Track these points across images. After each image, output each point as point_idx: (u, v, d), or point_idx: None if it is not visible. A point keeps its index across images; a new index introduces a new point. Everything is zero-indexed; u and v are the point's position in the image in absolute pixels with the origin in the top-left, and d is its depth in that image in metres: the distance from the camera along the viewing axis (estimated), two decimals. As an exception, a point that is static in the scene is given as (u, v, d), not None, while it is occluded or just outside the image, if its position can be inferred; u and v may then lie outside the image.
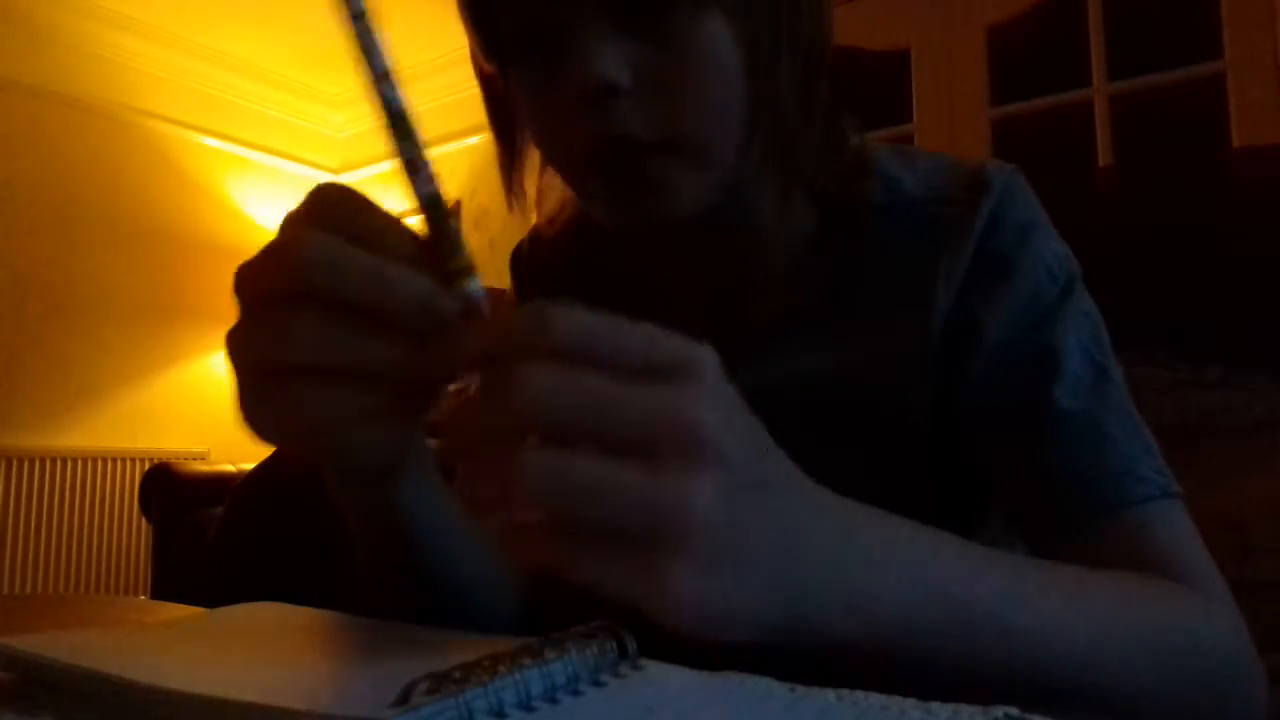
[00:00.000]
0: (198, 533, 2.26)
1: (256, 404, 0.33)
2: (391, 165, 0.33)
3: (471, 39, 0.51)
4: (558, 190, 0.57)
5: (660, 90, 0.46)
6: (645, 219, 0.50)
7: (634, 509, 0.27)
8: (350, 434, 0.34)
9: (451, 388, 0.35)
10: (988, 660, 0.34)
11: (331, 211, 0.33)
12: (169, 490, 2.47)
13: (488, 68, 0.52)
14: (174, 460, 2.64)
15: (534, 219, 0.64)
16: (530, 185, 0.57)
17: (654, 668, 0.29)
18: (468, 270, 0.33)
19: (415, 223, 0.34)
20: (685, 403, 0.28)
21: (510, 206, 0.58)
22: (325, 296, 0.31)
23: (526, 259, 0.69)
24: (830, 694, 0.27)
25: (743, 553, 0.29)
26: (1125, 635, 0.38)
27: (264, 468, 1.86)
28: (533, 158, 0.56)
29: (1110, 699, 0.37)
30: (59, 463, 3.07)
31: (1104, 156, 2.16)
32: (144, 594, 3.07)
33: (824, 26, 0.51)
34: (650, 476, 0.27)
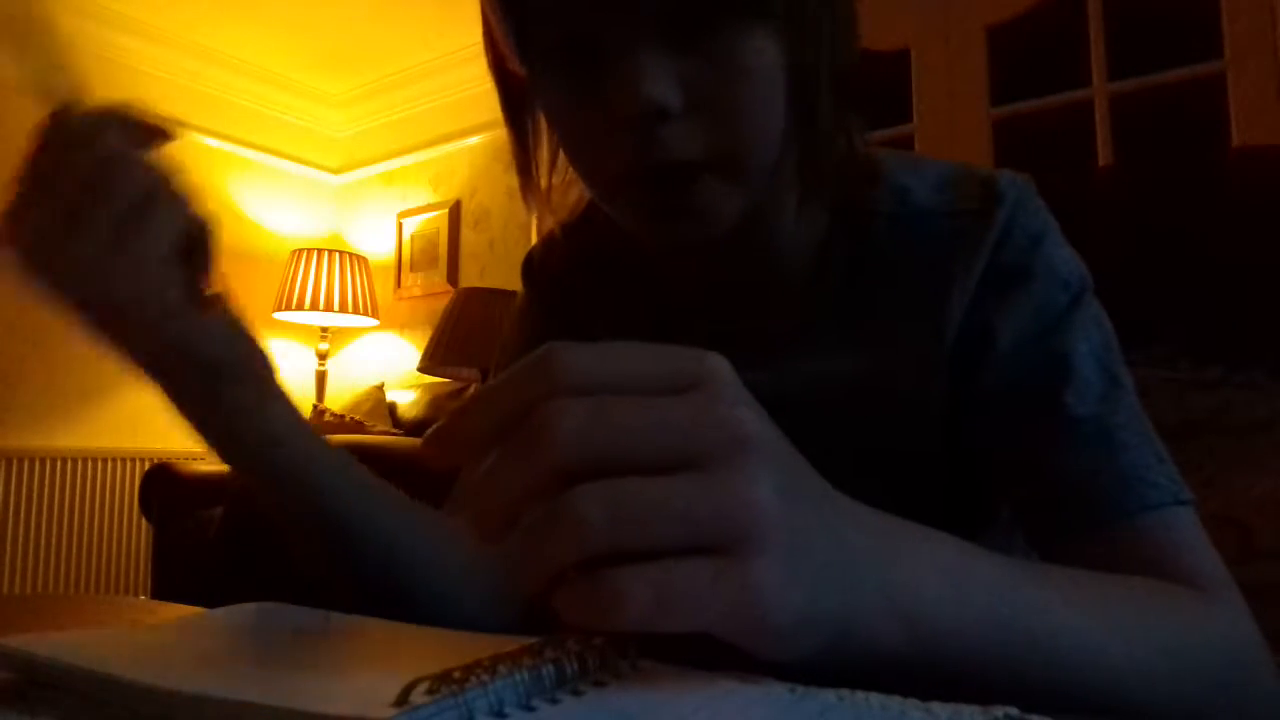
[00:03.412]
0: (198, 533, 2.26)
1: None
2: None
3: (498, 36, 0.49)
4: (574, 190, 0.57)
5: (708, 110, 0.44)
6: (684, 238, 0.49)
7: (701, 518, 0.26)
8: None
9: None
10: (1028, 673, 0.33)
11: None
12: (169, 490, 2.47)
13: (510, 63, 0.50)
14: (174, 460, 2.64)
15: (541, 218, 0.62)
16: (542, 182, 0.56)
17: (653, 668, 0.29)
18: None
19: None
20: (718, 405, 0.27)
21: (527, 202, 0.57)
22: None
23: (539, 265, 0.68)
24: (830, 694, 0.27)
25: (809, 552, 0.28)
26: (1154, 646, 0.38)
27: (264, 468, 1.85)
28: (545, 154, 0.55)
29: (1137, 708, 0.36)
30: (59, 463, 3.06)
31: (1104, 156, 2.16)
32: (144, 594, 3.06)
33: (858, 39, 0.50)
34: (706, 483, 0.26)
